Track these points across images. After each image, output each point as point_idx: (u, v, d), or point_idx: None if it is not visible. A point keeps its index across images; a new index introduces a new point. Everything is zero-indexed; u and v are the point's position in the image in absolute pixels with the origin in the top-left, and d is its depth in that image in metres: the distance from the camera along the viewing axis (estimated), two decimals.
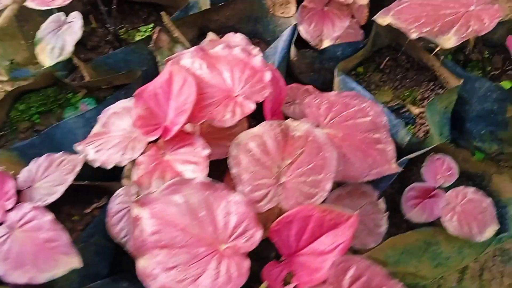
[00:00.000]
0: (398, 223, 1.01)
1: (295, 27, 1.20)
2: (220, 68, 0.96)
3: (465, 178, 1.09)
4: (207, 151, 0.88)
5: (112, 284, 0.94)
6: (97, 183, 1.03)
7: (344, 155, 0.91)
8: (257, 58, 0.96)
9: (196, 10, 1.32)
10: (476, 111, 1.17)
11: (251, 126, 0.87)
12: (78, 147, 0.99)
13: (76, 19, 1.07)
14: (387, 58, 1.27)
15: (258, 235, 0.74)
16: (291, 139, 0.85)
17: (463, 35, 0.96)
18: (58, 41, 1.05)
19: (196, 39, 1.35)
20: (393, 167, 0.91)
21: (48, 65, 1.03)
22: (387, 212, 0.94)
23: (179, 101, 0.93)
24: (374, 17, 1.06)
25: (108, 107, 1.03)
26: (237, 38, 1.11)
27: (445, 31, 0.99)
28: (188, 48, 1.18)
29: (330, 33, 1.11)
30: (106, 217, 0.95)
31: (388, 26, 1.13)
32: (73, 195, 1.03)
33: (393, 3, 1.05)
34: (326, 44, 1.12)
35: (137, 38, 1.32)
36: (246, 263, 0.73)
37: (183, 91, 0.93)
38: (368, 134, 0.94)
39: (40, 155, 1.04)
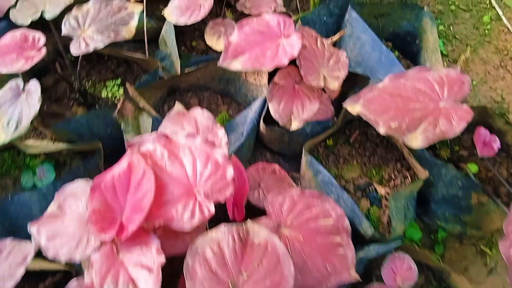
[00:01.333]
0: None
1: (265, 100, 1.17)
2: (182, 159, 0.93)
3: (426, 272, 1.09)
4: (161, 259, 0.85)
5: None
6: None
7: (304, 262, 0.90)
8: (219, 151, 0.93)
9: (168, 67, 1.28)
10: (442, 195, 1.17)
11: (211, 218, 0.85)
12: (32, 227, 0.95)
13: (34, 89, 1.02)
14: (357, 132, 1.25)
15: None
16: (250, 246, 0.84)
17: (431, 137, 0.95)
18: (15, 113, 1.00)
19: (165, 98, 1.32)
20: (353, 276, 0.90)
21: (3, 140, 0.98)
22: None
23: (137, 196, 0.90)
24: (344, 104, 1.04)
25: (64, 186, 0.99)
26: (204, 116, 1.07)
27: (412, 128, 0.98)
28: (153, 115, 1.15)
29: (300, 115, 1.09)
30: None
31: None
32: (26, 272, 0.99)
33: (363, 90, 1.04)
34: (295, 126, 1.10)
35: (103, 94, 1.27)
36: None
37: (142, 185, 0.89)
38: (329, 238, 0.93)
39: None
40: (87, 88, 1.29)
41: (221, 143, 1.04)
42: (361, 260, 1.00)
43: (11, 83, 1.05)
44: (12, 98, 1.03)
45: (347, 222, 0.93)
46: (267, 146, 1.30)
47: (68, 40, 1.29)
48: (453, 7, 1.89)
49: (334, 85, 1.08)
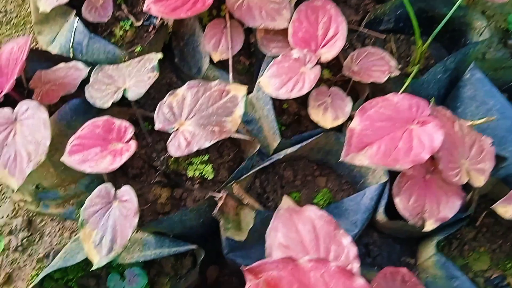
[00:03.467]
0: None
1: (385, 185, 1.01)
2: None
3: None
4: None
5: None
6: None
7: None
8: (360, 282, 0.78)
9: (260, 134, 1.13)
10: None
11: None
12: None
13: (129, 197, 0.88)
14: (484, 213, 1.09)
15: None
16: None
17: None
18: (108, 228, 0.87)
19: (256, 173, 1.16)
20: None
21: (97, 263, 0.85)
22: None
23: None
24: (494, 207, 0.88)
25: None
26: (322, 219, 0.92)
27: None
28: (257, 210, 1.01)
29: (435, 214, 0.93)
30: None
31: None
32: None
33: None
34: (429, 226, 0.94)
35: (190, 173, 1.13)
36: None
37: None
38: None
39: None
40: (169, 164, 1.14)
41: (349, 257, 0.89)
42: None
43: (100, 189, 0.91)
44: (103, 208, 0.90)
45: None
46: (376, 226, 1.14)
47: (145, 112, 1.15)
48: None
49: (480, 181, 0.91)
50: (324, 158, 1.18)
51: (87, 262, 1.05)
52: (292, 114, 1.24)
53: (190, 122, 0.92)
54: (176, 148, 0.90)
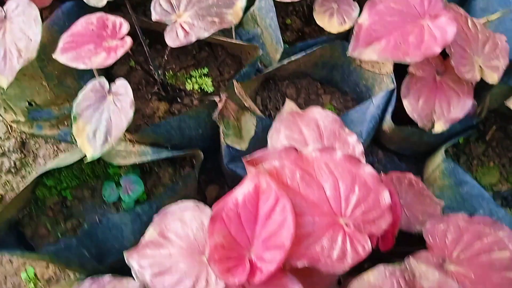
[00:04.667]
0: None
1: (392, 93, 0.97)
2: (319, 180, 0.75)
3: None
4: None
5: None
6: None
7: None
8: (368, 170, 0.75)
9: (262, 49, 1.08)
10: None
11: None
12: (130, 259, 0.80)
13: (125, 90, 0.84)
14: (493, 127, 1.05)
15: None
16: None
17: None
18: (102, 121, 0.83)
19: (258, 88, 1.12)
20: None
21: (90, 156, 0.82)
22: None
23: (269, 228, 0.73)
24: (506, 102, 0.84)
25: (165, 208, 0.82)
26: (327, 118, 0.88)
27: None
28: (258, 115, 0.97)
29: (446, 114, 0.89)
30: None
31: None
32: None
33: None
34: (439, 128, 0.90)
35: (188, 86, 1.09)
36: None
37: (275, 215, 0.73)
38: (505, 273, 0.75)
39: (76, 255, 0.85)
40: (168, 79, 1.10)
41: (355, 153, 0.86)
42: None
43: (93, 83, 0.87)
44: (96, 102, 0.86)
45: None
46: (382, 143, 1.11)
47: (144, 22, 1.10)
48: None
49: (494, 77, 0.87)
50: (329, 75, 1.14)
51: (81, 169, 1.02)
52: (296, 31, 1.19)
53: (189, 13, 0.87)
54: (174, 39, 0.86)
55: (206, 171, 1.16)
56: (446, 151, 0.98)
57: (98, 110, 0.85)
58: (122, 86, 0.86)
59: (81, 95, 0.87)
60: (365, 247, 0.70)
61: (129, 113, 0.83)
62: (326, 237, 0.72)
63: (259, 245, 0.74)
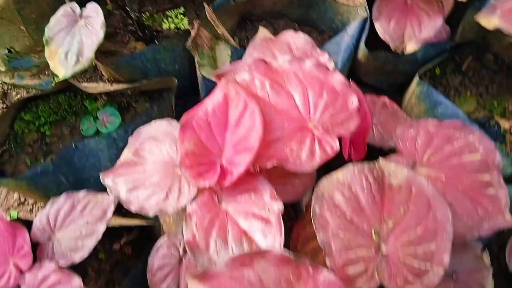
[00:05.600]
0: (499, 281, 0.86)
1: (366, 21, 0.98)
2: (288, 89, 0.76)
3: None
4: (279, 206, 0.70)
5: None
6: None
7: (449, 206, 0.73)
8: (336, 76, 0.76)
9: None
10: None
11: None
12: (106, 179, 0.80)
13: (96, 12, 0.85)
14: (469, 58, 1.06)
15: None
16: (389, 189, 0.67)
17: None
18: (74, 43, 0.84)
19: (236, 28, 1.13)
20: (508, 220, 0.73)
21: (62, 76, 0.83)
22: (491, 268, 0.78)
23: (239, 134, 0.74)
24: (476, 17, 0.85)
25: (139, 129, 0.83)
26: (299, 39, 0.89)
27: None
28: (233, 45, 0.97)
29: (417, 34, 0.90)
30: (146, 271, 0.78)
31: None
32: None
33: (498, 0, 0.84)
34: (410, 48, 0.91)
35: (164, 26, 1.09)
36: None
37: (244, 121, 0.74)
38: (477, 176, 0.76)
39: (54, 182, 0.86)
40: (144, 19, 1.11)
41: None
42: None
43: (65, 8, 0.88)
44: (68, 26, 0.87)
45: (498, 157, 0.76)
46: (360, 78, 1.11)
47: None
48: None
49: None
50: (305, 14, 1.15)
51: (58, 103, 1.03)
52: None
53: None
54: None
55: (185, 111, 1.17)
56: (421, 79, 0.99)
57: (70, 34, 0.86)
58: (93, 9, 0.87)
59: (53, 19, 0.88)
60: (333, 147, 0.71)
61: (100, 33, 0.84)
62: (295, 140, 0.73)
63: (229, 150, 0.75)
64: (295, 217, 0.85)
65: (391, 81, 1.09)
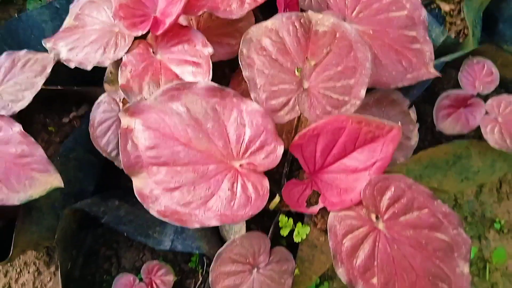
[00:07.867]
0: (425, 135, 0.92)
1: None
2: None
3: (503, 87, 0.98)
4: (209, 49, 0.73)
5: (101, 202, 0.83)
6: (74, 88, 0.88)
7: (375, 57, 0.77)
8: None
9: None
10: None
11: (259, 21, 0.71)
12: (48, 43, 0.82)
13: None
14: None
15: (279, 150, 0.63)
16: (315, 35, 0.71)
17: None
18: None
19: None
20: (431, 72, 0.78)
21: None
22: (417, 123, 0.83)
23: None
24: None
25: None
26: None
27: None
28: None
29: None
30: (88, 128, 0.81)
31: None
32: (46, 103, 0.89)
33: None
34: None
35: None
36: (266, 183, 0.62)
37: None
38: (403, 31, 0.81)
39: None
40: None
41: None
42: (435, 66, 0.87)
43: None
44: None
45: (424, 14, 0.80)
46: None
47: None
48: None
49: None
50: None
51: None
52: None
53: None
54: None
55: None
56: None
57: None
58: None
59: None
60: None
61: None
62: None
63: (162, 3, 0.77)
64: (229, 76, 0.88)
65: None
